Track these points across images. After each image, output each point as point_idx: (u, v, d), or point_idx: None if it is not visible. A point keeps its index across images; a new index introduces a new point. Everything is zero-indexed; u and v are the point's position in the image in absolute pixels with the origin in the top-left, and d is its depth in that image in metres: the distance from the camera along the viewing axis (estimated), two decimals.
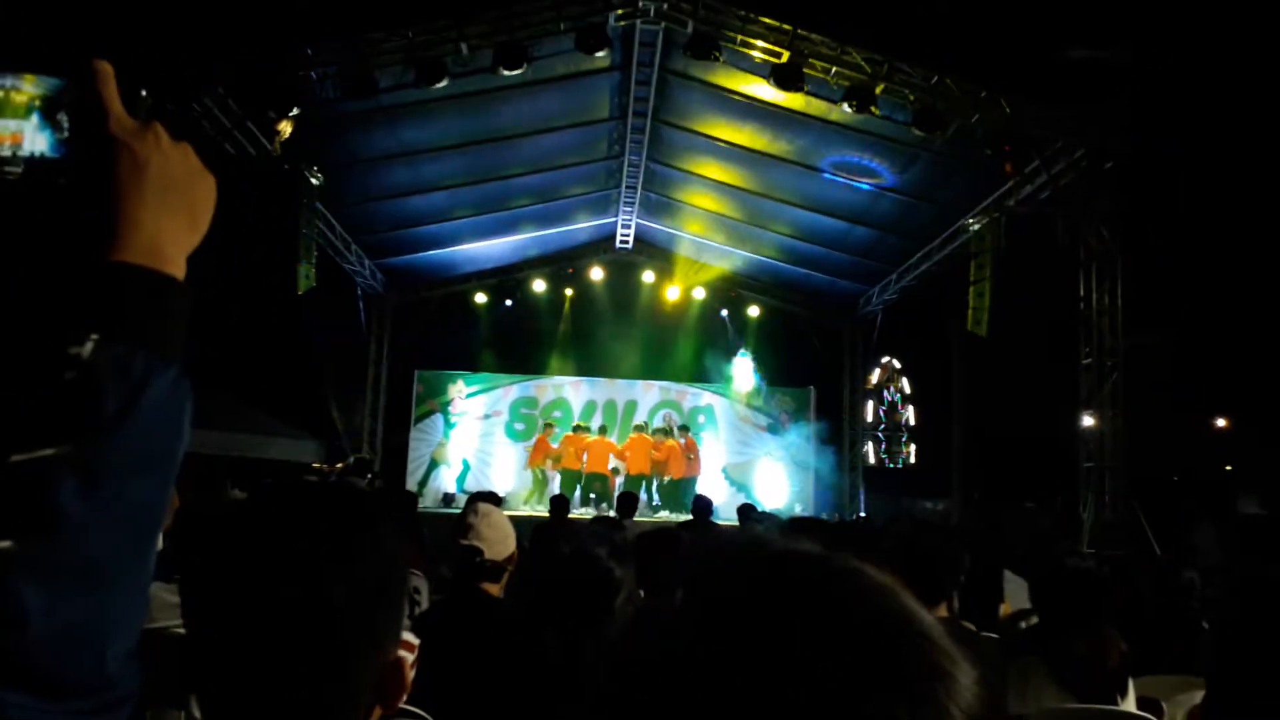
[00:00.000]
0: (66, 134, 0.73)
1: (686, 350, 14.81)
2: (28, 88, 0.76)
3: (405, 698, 0.91)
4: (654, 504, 13.15)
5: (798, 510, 13.29)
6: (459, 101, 9.28)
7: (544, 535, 4.22)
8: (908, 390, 14.78)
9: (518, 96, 9.47)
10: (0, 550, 0.56)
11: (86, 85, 0.70)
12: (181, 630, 0.86)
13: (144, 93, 0.73)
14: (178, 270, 0.71)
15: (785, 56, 8.49)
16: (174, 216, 0.72)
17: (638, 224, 14.07)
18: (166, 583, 2.21)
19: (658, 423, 14.41)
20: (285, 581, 0.81)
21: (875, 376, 15.07)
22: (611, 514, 9.06)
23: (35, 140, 0.75)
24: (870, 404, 15.04)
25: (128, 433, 0.62)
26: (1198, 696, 2.18)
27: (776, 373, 14.62)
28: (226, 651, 0.81)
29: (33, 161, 0.75)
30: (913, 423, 14.68)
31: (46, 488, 0.58)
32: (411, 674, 0.93)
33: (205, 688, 0.83)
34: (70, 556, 0.58)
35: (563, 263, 14.62)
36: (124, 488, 0.61)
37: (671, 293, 14.64)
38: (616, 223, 14.00)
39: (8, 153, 0.75)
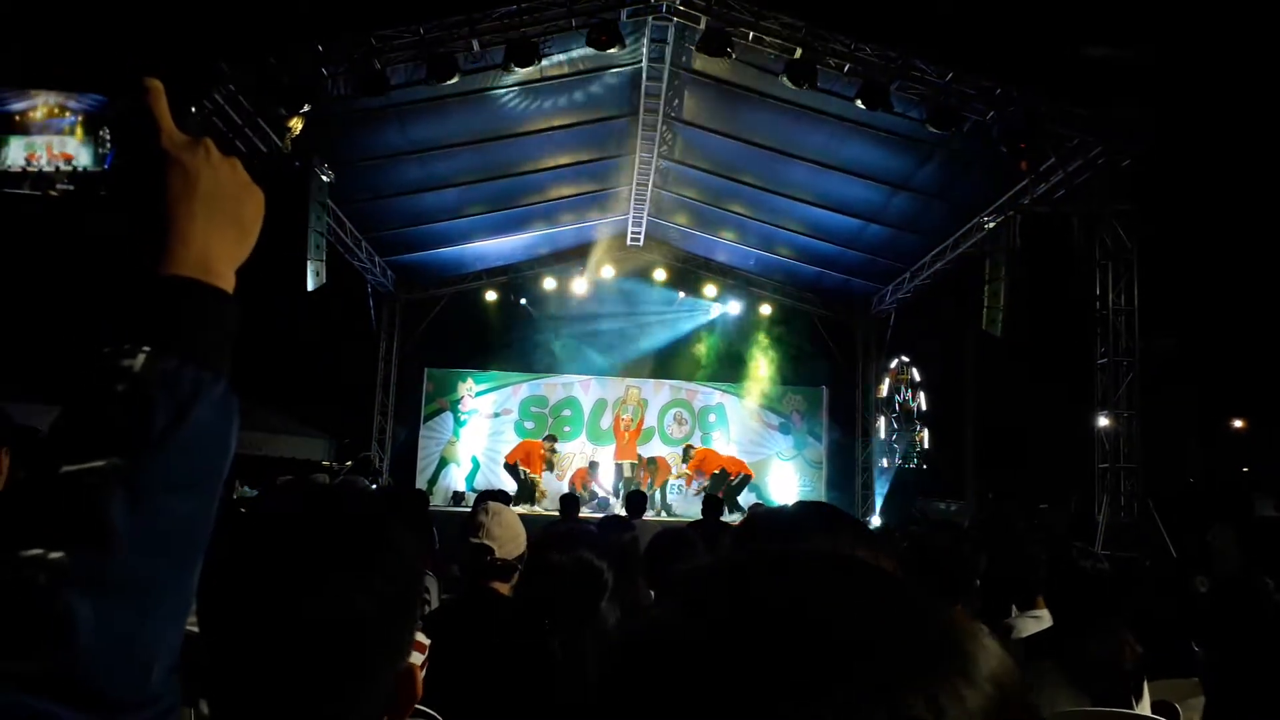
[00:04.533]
0: (112, 148, 0.73)
1: (697, 349, 14.78)
2: (73, 104, 0.77)
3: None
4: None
5: None
6: (470, 98, 9.29)
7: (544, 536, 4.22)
8: (921, 390, 14.68)
9: (529, 93, 9.46)
10: (53, 561, 0.56)
11: (138, 101, 0.71)
12: (195, 628, 0.86)
13: (193, 108, 0.74)
14: (227, 284, 0.72)
15: (799, 53, 8.45)
16: (223, 230, 0.73)
17: (649, 221, 14.03)
18: None
19: (668, 422, 14.41)
20: (306, 592, 0.80)
21: (888, 376, 14.99)
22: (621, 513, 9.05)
23: (83, 155, 0.76)
24: (883, 404, 14.97)
25: (175, 448, 0.62)
26: None
27: (789, 372, 14.57)
28: (241, 658, 0.80)
29: (81, 176, 0.76)
30: (926, 422, 14.59)
31: (96, 501, 0.58)
32: (422, 674, 0.92)
33: (218, 691, 0.82)
34: (119, 570, 0.58)
35: (573, 260, 14.60)
36: (169, 503, 0.61)
37: (682, 291, 14.61)
38: (628, 220, 13.97)
39: (51, 168, 0.76)
